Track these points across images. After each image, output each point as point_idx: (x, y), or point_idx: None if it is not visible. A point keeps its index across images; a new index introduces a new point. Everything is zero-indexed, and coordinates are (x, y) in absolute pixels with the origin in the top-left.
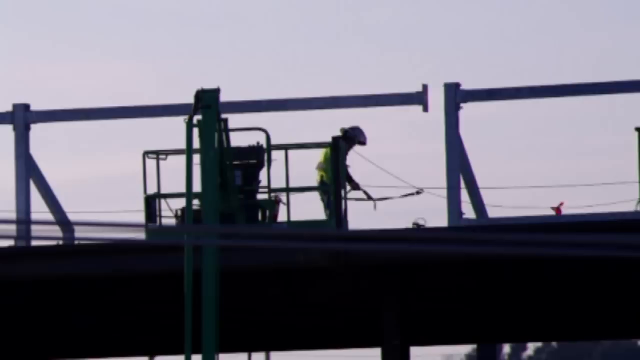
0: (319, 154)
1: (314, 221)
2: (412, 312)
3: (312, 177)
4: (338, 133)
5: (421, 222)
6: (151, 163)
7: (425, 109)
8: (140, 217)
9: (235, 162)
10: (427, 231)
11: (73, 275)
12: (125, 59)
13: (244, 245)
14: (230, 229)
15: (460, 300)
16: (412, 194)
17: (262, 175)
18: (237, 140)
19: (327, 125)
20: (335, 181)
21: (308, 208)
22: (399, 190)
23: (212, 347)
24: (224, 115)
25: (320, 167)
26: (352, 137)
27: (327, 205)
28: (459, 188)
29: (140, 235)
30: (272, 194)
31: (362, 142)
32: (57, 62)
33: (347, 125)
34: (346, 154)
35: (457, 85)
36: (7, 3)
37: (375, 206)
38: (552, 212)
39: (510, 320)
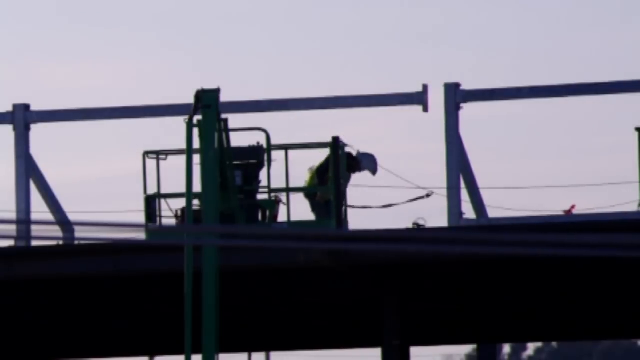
0: (318, 155)
1: (314, 221)
2: (412, 312)
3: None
4: (352, 152)
5: (421, 222)
6: (151, 163)
7: (425, 109)
8: (140, 217)
9: (236, 162)
10: (427, 231)
11: (73, 275)
12: (126, 59)
13: (244, 245)
14: (230, 229)
15: (460, 300)
16: (421, 197)
17: (262, 175)
18: (237, 140)
19: (327, 125)
20: (335, 181)
21: (308, 208)
22: (402, 190)
23: (212, 347)
24: (224, 115)
25: (311, 170)
26: (358, 162)
27: (313, 208)
28: (459, 188)
29: (140, 235)
30: (272, 194)
31: (371, 171)
32: (57, 62)
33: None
34: (348, 175)
35: (457, 85)
36: (7, 3)
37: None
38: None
39: (510, 320)
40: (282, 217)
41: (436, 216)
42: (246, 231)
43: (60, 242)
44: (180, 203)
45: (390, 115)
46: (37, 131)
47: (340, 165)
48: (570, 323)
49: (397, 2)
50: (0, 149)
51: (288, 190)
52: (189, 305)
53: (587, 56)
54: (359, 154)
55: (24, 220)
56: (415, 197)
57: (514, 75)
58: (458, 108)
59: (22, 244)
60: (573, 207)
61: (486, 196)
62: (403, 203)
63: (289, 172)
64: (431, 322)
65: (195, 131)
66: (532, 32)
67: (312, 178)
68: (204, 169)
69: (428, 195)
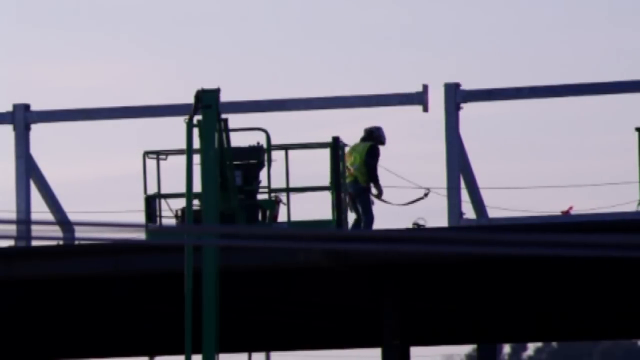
0: (318, 155)
1: (314, 221)
2: (412, 312)
3: (319, 176)
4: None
5: (421, 222)
6: (151, 163)
7: (425, 109)
8: (140, 217)
9: (236, 162)
10: (427, 231)
11: (73, 275)
12: (125, 59)
13: (244, 245)
14: (230, 229)
15: (460, 300)
16: (420, 199)
17: (262, 175)
18: (237, 140)
19: (327, 125)
20: (335, 181)
21: (309, 208)
22: (402, 190)
23: (212, 347)
24: (224, 115)
25: (356, 169)
26: (378, 137)
27: (360, 207)
28: (459, 188)
29: (140, 235)
30: (272, 194)
31: (383, 143)
32: (57, 62)
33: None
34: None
35: (457, 85)
36: (7, 3)
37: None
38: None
39: (510, 320)
40: (282, 217)
41: (436, 216)
42: (246, 231)
43: (60, 242)
44: (180, 203)
45: (390, 115)
46: (37, 131)
47: (339, 165)
48: (570, 323)
49: (398, 2)
50: (0, 149)
51: (288, 190)
52: (189, 305)
53: (587, 56)
54: (374, 129)
55: (24, 220)
56: (413, 199)
57: (514, 75)
58: (458, 108)
59: (22, 244)
60: (571, 208)
61: (486, 196)
62: (400, 205)
63: (289, 172)
64: (431, 322)
65: (195, 131)
66: (532, 32)
67: (356, 159)
68: (204, 169)
69: (426, 195)
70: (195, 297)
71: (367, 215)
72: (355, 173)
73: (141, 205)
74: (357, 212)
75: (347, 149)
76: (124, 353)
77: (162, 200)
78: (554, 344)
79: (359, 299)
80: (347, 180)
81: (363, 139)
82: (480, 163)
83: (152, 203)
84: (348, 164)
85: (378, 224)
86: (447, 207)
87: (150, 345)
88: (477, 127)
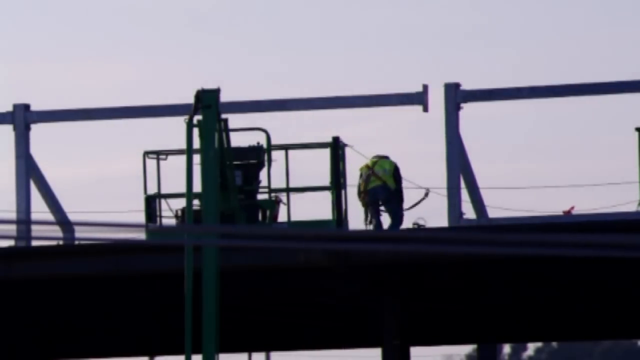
0: (318, 155)
1: (314, 221)
2: (412, 312)
3: (319, 176)
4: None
5: (421, 222)
6: (151, 163)
7: (426, 109)
8: (140, 217)
9: (236, 162)
10: (427, 231)
11: (73, 275)
12: (125, 59)
13: (244, 245)
14: (230, 229)
15: (460, 300)
16: (422, 200)
17: (262, 175)
18: (237, 140)
19: (327, 125)
20: (335, 181)
21: (309, 208)
22: (404, 190)
23: (212, 347)
24: (224, 115)
25: (386, 173)
26: None
27: (391, 210)
28: (459, 188)
29: (140, 235)
30: (272, 194)
31: None
32: (57, 62)
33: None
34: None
35: (457, 85)
36: (7, 3)
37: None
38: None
39: (510, 320)
40: (282, 217)
41: (436, 216)
42: (246, 231)
43: (60, 242)
44: (180, 203)
45: (390, 115)
46: (37, 131)
47: (339, 165)
48: (570, 323)
49: (398, 2)
50: (0, 149)
51: (288, 190)
52: (189, 305)
53: (587, 56)
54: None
55: (24, 220)
56: (414, 203)
57: (514, 75)
58: (458, 108)
59: (22, 244)
60: (572, 208)
61: (486, 196)
62: (406, 209)
63: (289, 172)
64: (431, 322)
65: (195, 131)
66: (532, 32)
67: (384, 165)
68: (204, 169)
69: (426, 195)
70: (195, 297)
71: (397, 218)
72: (385, 177)
73: (141, 205)
74: (377, 219)
75: (364, 160)
76: (124, 353)
77: (162, 200)
78: (554, 344)
79: (359, 299)
80: (373, 185)
81: (379, 157)
82: (480, 163)
83: (152, 203)
84: (375, 169)
85: None
86: (447, 207)
87: (150, 345)
88: (477, 127)
